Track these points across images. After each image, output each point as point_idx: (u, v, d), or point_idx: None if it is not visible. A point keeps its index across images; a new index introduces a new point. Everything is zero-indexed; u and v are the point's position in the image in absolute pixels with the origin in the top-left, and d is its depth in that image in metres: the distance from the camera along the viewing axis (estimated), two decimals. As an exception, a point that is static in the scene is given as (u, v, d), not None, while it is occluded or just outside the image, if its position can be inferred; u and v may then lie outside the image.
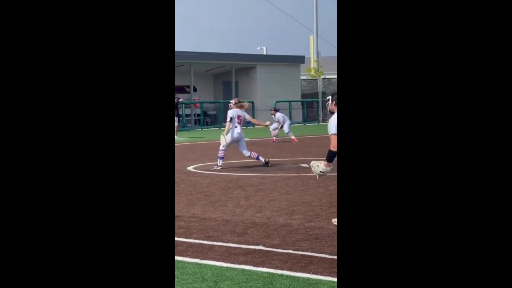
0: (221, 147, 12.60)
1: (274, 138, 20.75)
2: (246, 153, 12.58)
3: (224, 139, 12.55)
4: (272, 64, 36.87)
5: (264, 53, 42.77)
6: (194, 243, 5.93)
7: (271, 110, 22.82)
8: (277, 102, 32.95)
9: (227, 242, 5.92)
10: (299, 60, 37.86)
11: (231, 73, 35.54)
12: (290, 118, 25.84)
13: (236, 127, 12.63)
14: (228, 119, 12.62)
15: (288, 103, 34.42)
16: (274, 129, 21.10)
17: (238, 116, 12.74)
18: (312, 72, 43.29)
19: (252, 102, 33.54)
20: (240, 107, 12.87)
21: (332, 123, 6.60)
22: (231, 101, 13.16)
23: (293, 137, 20.64)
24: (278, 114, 21.60)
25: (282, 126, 21.11)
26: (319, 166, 6.84)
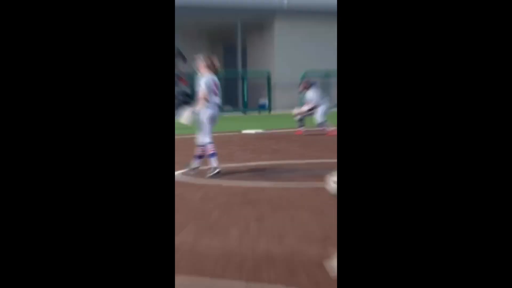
0: (204, 141, 12.37)
1: (302, 129, 20.16)
2: (205, 140, 12.41)
3: (189, 118, 12.82)
4: (297, 19, 36.59)
5: (285, 4, 42.64)
6: (182, 284, 5.89)
7: (301, 86, 21.38)
8: (304, 74, 32.16)
9: (231, 282, 5.89)
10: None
11: (235, 33, 35.61)
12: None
13: (210, 101, 12.32)
14: (205, 89, 12.17)
15: (320, 77, 33.68)
16: (299, 117, 20.44)
17: (215, 84, 12.35)
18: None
19: (268, 75, 33.99)
20: (215, 71, 12.44)
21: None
22: (199, 59, 12.41)
23: (329, 128, 20.08)
24: (311, 94, 20.41)
25: (312, 112, 20.32)
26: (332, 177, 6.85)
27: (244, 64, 36.28)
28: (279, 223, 8.40)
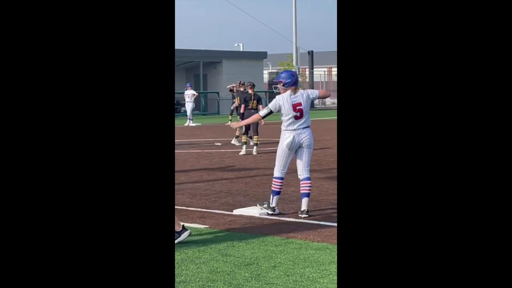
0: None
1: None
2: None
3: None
4: (237, 58, 41.96)
5: (241, 49, 48.56)
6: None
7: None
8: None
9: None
10: (262, 55, 43.91)
11: (199, 67, 40.54)
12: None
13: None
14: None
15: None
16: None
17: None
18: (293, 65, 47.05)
19: (218, 93, 39.03)
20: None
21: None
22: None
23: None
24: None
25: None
26: None
27: (205, 87, 40.62)
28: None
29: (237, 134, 17.54)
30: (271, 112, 7.60)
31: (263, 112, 7.67)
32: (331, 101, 53.78)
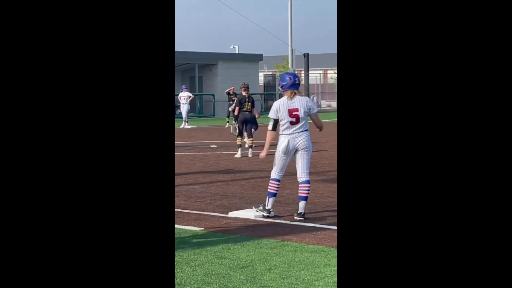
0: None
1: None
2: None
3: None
4: (232, 61, 41.98)
5: (236, 52, 48.66)
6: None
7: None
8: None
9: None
10: (257, 57, 43.60)
11: (195, 69, 40.16)
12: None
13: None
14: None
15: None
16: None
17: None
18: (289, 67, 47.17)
19: (213, 95, 39.08)
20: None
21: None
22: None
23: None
24: None
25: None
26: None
27: (200, 88, 40.16)
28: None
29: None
30: (276, 120, 7.54)
31: (270, 125, 7.62)
32: (326, 103, 53.66)
